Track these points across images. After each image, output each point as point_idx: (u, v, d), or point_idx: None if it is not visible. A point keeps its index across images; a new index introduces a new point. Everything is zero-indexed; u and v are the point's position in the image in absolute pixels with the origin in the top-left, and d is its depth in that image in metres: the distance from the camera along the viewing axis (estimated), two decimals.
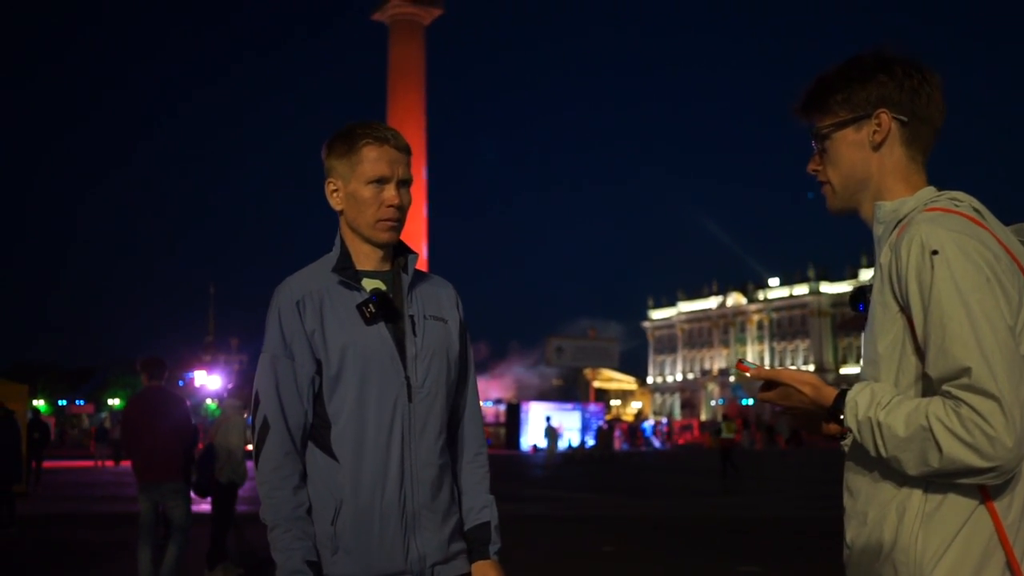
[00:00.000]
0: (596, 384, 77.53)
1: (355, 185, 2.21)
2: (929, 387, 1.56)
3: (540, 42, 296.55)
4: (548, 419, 44.45)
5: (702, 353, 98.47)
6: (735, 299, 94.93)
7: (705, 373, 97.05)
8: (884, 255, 1.65)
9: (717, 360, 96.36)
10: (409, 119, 48.86)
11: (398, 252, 2.31)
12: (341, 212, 2.27)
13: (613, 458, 38.42)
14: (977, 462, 1.45)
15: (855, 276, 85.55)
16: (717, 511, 14.94)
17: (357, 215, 2.22)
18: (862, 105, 1.73)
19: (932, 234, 1.56)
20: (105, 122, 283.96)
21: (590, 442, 45.96)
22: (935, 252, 1.54)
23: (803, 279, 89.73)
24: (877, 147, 1.73)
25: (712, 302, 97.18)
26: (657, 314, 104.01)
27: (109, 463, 32.49)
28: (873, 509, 1.62)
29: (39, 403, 57.54)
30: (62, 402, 70.86)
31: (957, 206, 1.65)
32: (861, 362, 1.71)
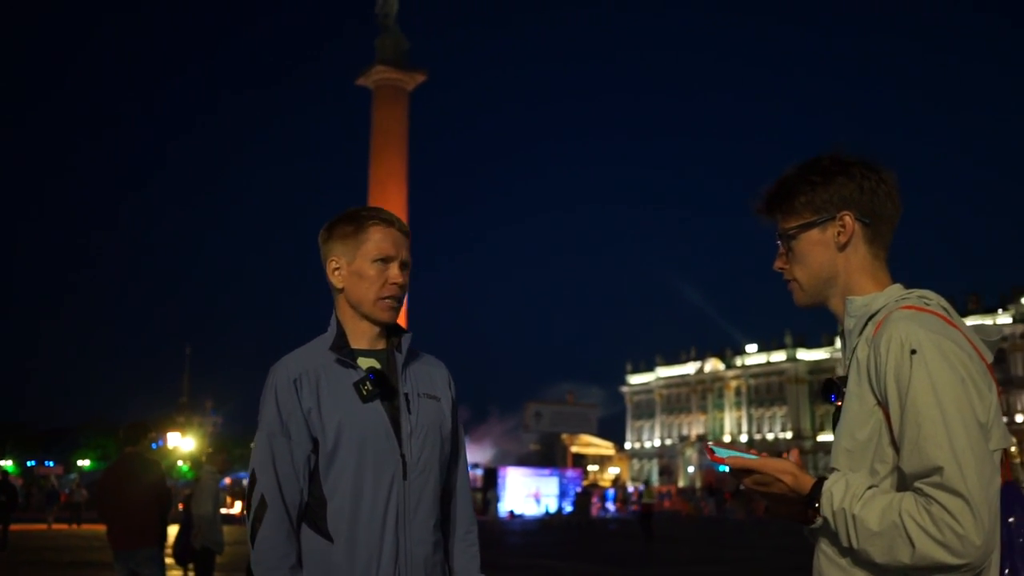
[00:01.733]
0: (574, 449, 77.05)
1: (360, 263, 2.27)
2: (904, 478, 1.62)
3: (521, 106, 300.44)
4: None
5: (680, 419, 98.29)
6: (713, 365, 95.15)
7: (683, 439, 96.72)
8: (861, 350, 1.71)
9: (695, 426, 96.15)
10: (391, 183, 49.11)
11: (392, 331, 2.35)
12: (341, 290, 2.31)
13: (591, 524, 38.07)
14: (948, 559, 1.51)
15: (831, 343, 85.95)
16: None
17: (360, 292, 2.27)
18: (825, 207, 1.81)
19: (911, 333, 1.63)
20: (79, 184, 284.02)
21: (568, 508, 45.55)
22: (913, 351, 1.61)
23: (780, 346, 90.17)
24: (842, 247, 1.81)
25: (690, 367, 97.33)
26: (635, 379, 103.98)
27: (62, 527, 31.34)
28: None
29: (7, 463, 56.45)
30: (31, 463, 69.60)
31: (927, 304, 1.73)
32: (833, 450, 1.74)
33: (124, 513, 6.90)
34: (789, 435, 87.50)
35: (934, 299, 1.75)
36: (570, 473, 53.29)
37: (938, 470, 1.53)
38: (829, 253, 1.81)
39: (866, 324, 1.75)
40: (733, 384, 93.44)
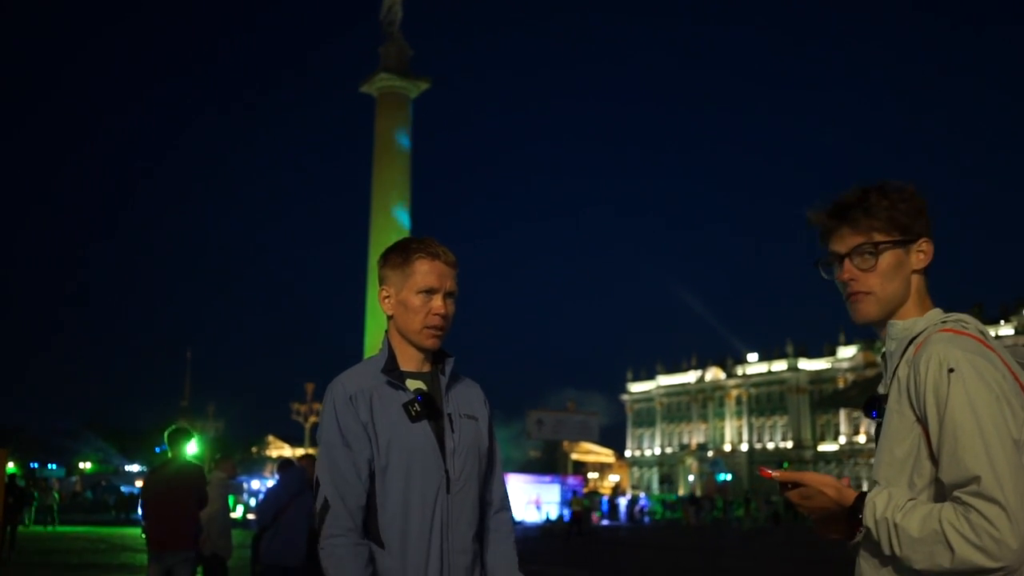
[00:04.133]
0: (574, 456, 77.13)
1: (406, 294, 2.45)
2: (941, 490, 1.75)
3: (524, 113, 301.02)
4: None
5: (680, 427, 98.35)
6: (714, 374, 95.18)
7: (684, 447, 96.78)
8: (902, 369, 1.85)
9: (696, 434, 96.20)
10: (394, 189, 49.34)
11: (437, 355, 2.53)
12: (391, 317, 2.49)
13: (591, 532, 38.18)
14: (986, 562, 1.63)
15: (833, 353, 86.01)
16: None
17: (406, 321, 2.45)
18: (909, 228, 1.92)
19: (949, 354, 1.76)
20: (79, 187, 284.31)
21: (568, 515, 45.60)
22: (951, 370, 1.74)
23: (781, 355, 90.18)
24: (917, 271, 1.93)
25: (691, 376, 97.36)
26: (636, 387, 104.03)
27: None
28: None
29: (10, 467, 56.49)
30: (34, 465, 69.74)
31: (965, 327, 1.86)
32: (875, 463, 1.88)
33: (162, 516, 7.16)
34: (789, 444, 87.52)
35: (971, 323, 1.88)
36: (571, 480, 53.36)
37: (976, 479, 1.65)
38: (905, 273, 1.93)
39: (907, 346, 1.88)
40: (734, 393, 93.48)
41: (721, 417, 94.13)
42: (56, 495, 37.07)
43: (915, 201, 1.92)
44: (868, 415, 1.96)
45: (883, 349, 1.98)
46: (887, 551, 1.73)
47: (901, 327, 1.91)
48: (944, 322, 1.88)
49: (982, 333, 1.87)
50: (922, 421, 1.77)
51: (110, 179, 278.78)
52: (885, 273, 1.92)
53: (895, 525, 1.71)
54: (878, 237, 1.91)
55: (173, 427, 7.53)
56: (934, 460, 1.76)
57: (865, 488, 1.87)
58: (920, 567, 1.69)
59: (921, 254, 1.92)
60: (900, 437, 1.81)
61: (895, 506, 1.73)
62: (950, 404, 1.71)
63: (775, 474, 1.89)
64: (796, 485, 1.86)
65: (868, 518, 1.76)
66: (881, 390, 1.94)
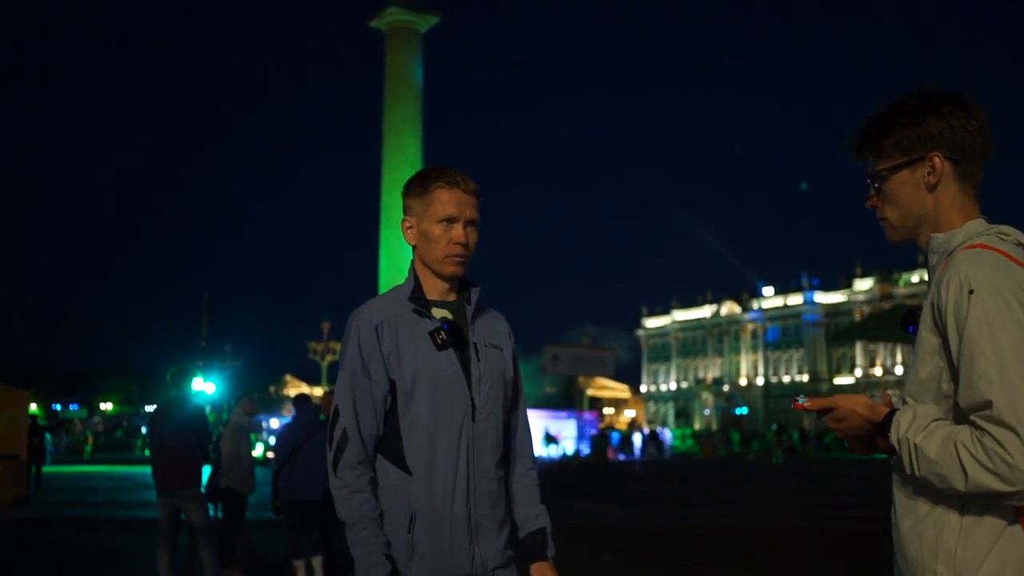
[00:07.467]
0: (590, 392, 77.71)
1: (427, 223, 2.43)
2: (962, 414, 1.71)
3: (535, 49, 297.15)
4: None
5: (696, 362, 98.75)
6: (729, 308, 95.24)
7: (699, 382, 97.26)
8: (932, 289, 1.80)
9: (711, 369, 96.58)
10: (406, 126, 49.01)
11: (462, 285, 2.53)
12: (414, 247, 2.49)
13: (608, 466, 38.62)
14: (999, 487, 1.62)
15: (849, 286, 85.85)
16: (713, 521, 15.10)
17: (428, 251, 2.44)
18: (914, 147, 1.86)
19: (970, 273, 1.71)
20: (105, 130, 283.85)
21: (585, 450, 46.13)
22: (971, 291, 1.69)
23: (797, 288, 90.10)
24: (932, 188, 1.86)
25: (706, 311, 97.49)
26: (651, 322, 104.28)
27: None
28: (909, 520, 1.79)
29: (32, 407, 57.46)
30: (56, 406, 70.79)
31: (1003, 239, 1.79)
32: (906, 381, 1.85)
33: (166, 454, 7.24)
34: (805, 378, 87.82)
35: (1011, 235, 1.81)
36: (587, 416, 53.83)
37: (989, 404, 1.63)
38: (919, 193, 1.87)
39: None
40: (749, 327, 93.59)
41: (737, 351, 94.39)
42: (48, 436, 37.69)
43: (921, 115, 1.85)
44: (905, 330, 1.93)
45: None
46: (908, 471, 1.73)
47: (941, 240, 1.85)
48: (982, 235, 1.80)
49: (1021, 245, 1.79)
50: (945, 343, 1.74)
51: (134, 124, 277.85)
52: (891, 199, 1.90)
53: (915, 446, 1.71)
54: (881, 165, 1.90)
55: (174, 367, 7.57)
56: (956, 382, 1.73)
57: (898, 405, 1.86)
58: (937, 488, 1.70)
59: (929, 170, 1.84)
60: (925, 359, 1.78)
61: (918, 426, 1.72)
62: (968, 327, 1.67)
63: (807, 403, 1.89)
64: (830, 410, 1.86)
65: (892, 436, 1.76)
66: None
